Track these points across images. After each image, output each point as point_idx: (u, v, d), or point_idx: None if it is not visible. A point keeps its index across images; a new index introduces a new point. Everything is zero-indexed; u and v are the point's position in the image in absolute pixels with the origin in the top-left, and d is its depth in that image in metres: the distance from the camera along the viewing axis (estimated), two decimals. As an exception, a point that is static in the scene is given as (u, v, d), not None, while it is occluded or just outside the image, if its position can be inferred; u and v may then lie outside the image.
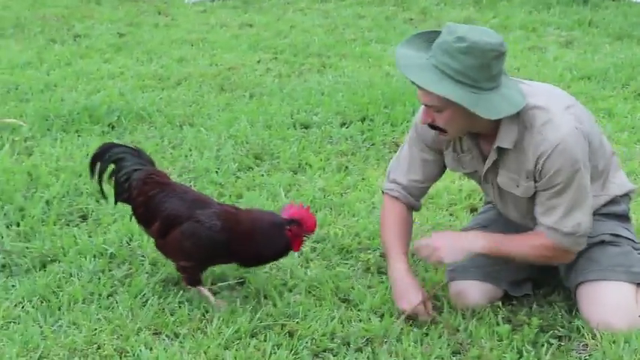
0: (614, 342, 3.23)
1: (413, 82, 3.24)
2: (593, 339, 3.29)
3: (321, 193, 4.73)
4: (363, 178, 4.97)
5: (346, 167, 5.14)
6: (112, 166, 3.71)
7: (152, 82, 6.80)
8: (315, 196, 4.68)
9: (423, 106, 3.35)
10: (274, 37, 8.58)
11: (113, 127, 5.70)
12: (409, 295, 3.44)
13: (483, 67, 3.15)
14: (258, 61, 7.57)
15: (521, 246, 3.39)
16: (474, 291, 3.56)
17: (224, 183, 4.83)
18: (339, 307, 3.56)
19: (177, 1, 10.44)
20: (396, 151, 5.30)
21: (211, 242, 3.45)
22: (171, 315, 3.46)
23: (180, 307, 3.51)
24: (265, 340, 3.31)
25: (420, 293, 3.44)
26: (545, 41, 8.65)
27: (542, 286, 3.70)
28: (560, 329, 3.37)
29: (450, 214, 4.50)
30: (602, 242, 3.49)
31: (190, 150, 5.30)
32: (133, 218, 3.74)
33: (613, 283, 3.40)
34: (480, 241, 3.40)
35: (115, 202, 3.77)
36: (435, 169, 3.66)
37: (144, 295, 3.60)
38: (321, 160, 5.20)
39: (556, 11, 9.94)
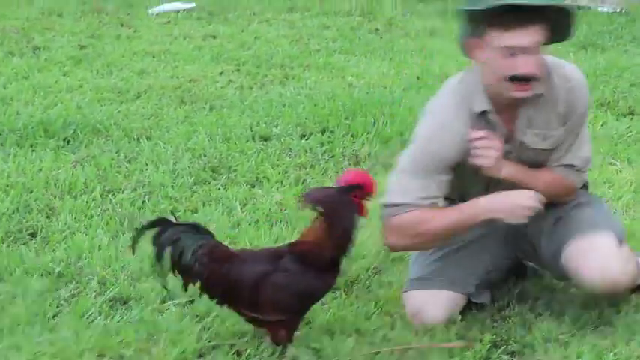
0: (565, 357, 3.18)
1: (524, 14, 3.10)
2: (545, 354, 3.23)
3: (278, 207, 4.66)
4: (321, 192, 4.89)
5: (304, 180, 5.07)
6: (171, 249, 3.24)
7: (111, 95, 6.71)
8: (272, 209, 4.61)
9: (521, 57, 3.11)
10: (238, 48, 8.52)
11: (68, 142, 5.59)
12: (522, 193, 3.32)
13: None
14: (220, 73, 7.51)
15: (547, 182, 3.39)
16: (434, 307, 3.46)
17: (179, 197, 4.75)
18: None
19: (140, 12, 10.37)
20: (356, 164, 5.31)
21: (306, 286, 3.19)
22: (117, 335, 3.36)
23: (126, 327, 3.42)
24: (213, 361, 3.24)
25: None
26: (509, 50, 8.63)
27: (497, 299, 3.65)
28: (513, 344, 3.32)
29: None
30: (580, 204, 3.52)
31: (146, 164, 5.21)
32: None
33: (604, 233, 3.41)
34: (510, 169, 3.34)
35: (185, 289, 3.29)
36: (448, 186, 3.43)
37: (90, 315, 3.51)
38: (279, 173, 5.14)
39: (522, 20, 9.93)
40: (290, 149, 5.53)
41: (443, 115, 3.37)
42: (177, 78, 7.29)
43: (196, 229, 3.29)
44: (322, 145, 5.60)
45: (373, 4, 10.96)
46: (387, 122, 5.93)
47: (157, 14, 10.20)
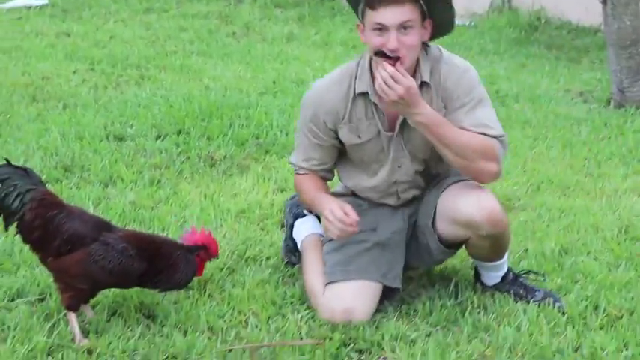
0: (412, 355, 3.29)
1: None
2: (392, 352, 3.33)
3: (132, 207, 4.62)
4: (175, 192, 4.89)
5: (159, 181, 5.05)
6: None
7: (-42, 90, 6.53)
8: (125, 209, 4.57)
9: (391, 33, 3.32)
10: (92, 47, 8.40)
11: None
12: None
13: None
14: (74, 72, 7.39)
15: (468, 136, 3.44)
16: (364, 305, 3.54)
17: (29, 196, 4.65)
18: (142, 323, 3.48)
19: (-9, 7, 10.10)
20: (211, 166, 5.33)
21: (120, 267, 3.28)
22: (-38, 334, 3.30)
23: (-28, 325, 3.35)
24: (62, 359, 3.19)
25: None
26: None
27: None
28: (362, 342, 3.40)
29: (261, 229, 4.49)
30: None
31: (-5, 161, 5.09)
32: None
33: (467, 180, 3.62)
34: (425, 117, 3.39)
35: (6, 228, 3.38)
36: (331, 152, 3.71)
37: None
38: (133, 173, 5.10)
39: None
40: (145, 150, 5.50)
41: (322, 82, 3.67)
42: (29, 75, 7.13)
43: (28, 174, 3.41)
44: (177, 146, 5.59)
45: (230, 8, 10.99)
46: (242, 125, 5.97)
47: (7, 10, 9.93)
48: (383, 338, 3.42)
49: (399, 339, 3.42)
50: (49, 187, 4.70)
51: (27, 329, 3.32)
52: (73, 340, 3.27)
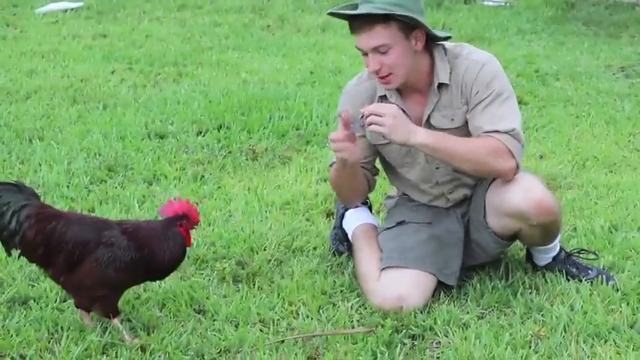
0: (465, 338, 3.26)
1: (359, 20, 3.33)
2: (445, 336, 3.31)
3: (176, 204, 4.63)
4: (219, 187, 4.90)
5: (202, 176, 5.06)
6: None
7: None
8: (170, 206, 4.58)
9: (369, 56, 3.37)
10: (129, 46, 8.43)
11: (-42, 144, 5.47)
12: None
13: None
14: (112, 72, 7.42)
15: (471, 142, 3.42)
16: (416, 294, 3.52)
17: (75, 197, 4.68)
18: (193, 318, 3.48)
19: (27, 12, 10.17)
20: (253, 159, 5.33)
21: (131, 263, 3.22)
22: (17, 336, 3.31)
23: (26, 327, 3.36)
24: (117, 357, 3.20)
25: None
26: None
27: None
28: (414, 328, 3.38)
29: (307, 219, 4.48)
30: None
31: (40, 164, 5.13)
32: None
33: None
34: (423, 134, 3.35)
35: (8, 252, 3.29)
36: (369, 145, 3.69)
37: (-12, 317, 3.45)
38: (176, 170, 5.11)
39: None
40: (187, 146, 5.51)
41: (351, 83, 3.73)
42: (68, 77, 7.17)
43: (19, 188, 3.28)
44: (219, 141, 5.60)
45: (264, 1, 10.98)
46: (282, 117, 5.97)
47: (43, 14, 10.00)
48: (435, 323, 3.40)
49: (451, 323, 3.40)
50: (94, 188, 4.79)
51: (80, 329, 3.34)
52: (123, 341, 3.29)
